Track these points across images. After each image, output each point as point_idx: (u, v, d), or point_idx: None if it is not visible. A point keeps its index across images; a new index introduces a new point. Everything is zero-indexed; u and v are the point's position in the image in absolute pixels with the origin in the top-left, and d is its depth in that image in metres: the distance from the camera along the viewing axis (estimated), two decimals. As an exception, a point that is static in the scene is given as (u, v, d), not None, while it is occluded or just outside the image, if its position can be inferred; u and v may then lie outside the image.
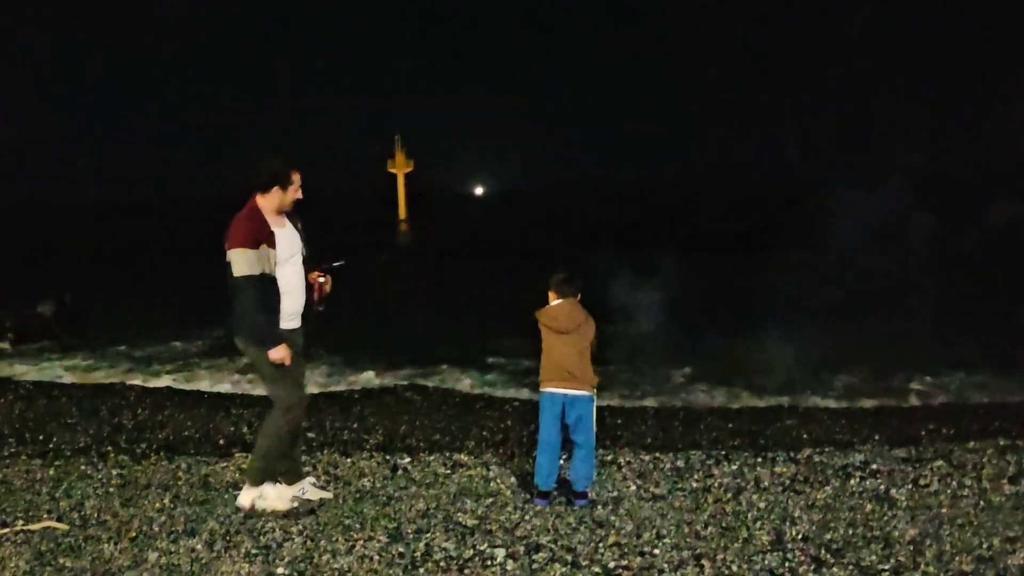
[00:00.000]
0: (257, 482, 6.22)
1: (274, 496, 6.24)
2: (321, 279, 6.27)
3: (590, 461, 6.34)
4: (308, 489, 6.44)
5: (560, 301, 6.32)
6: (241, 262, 5.83)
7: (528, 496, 6.49)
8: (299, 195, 6.12)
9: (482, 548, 5.48)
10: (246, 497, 6.22)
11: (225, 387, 14.34)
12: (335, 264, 6.41)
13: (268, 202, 6.02)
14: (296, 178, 6.07)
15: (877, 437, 8.82)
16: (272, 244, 5.94)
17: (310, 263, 6.27)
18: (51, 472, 7.34)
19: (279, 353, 5.94)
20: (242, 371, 14.90)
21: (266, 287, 5.91)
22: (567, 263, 6.57)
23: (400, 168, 78.83)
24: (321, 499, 6.42)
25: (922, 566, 5.16)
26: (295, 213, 6.20)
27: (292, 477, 6.40)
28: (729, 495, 6.51)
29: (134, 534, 5.77)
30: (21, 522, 6.07)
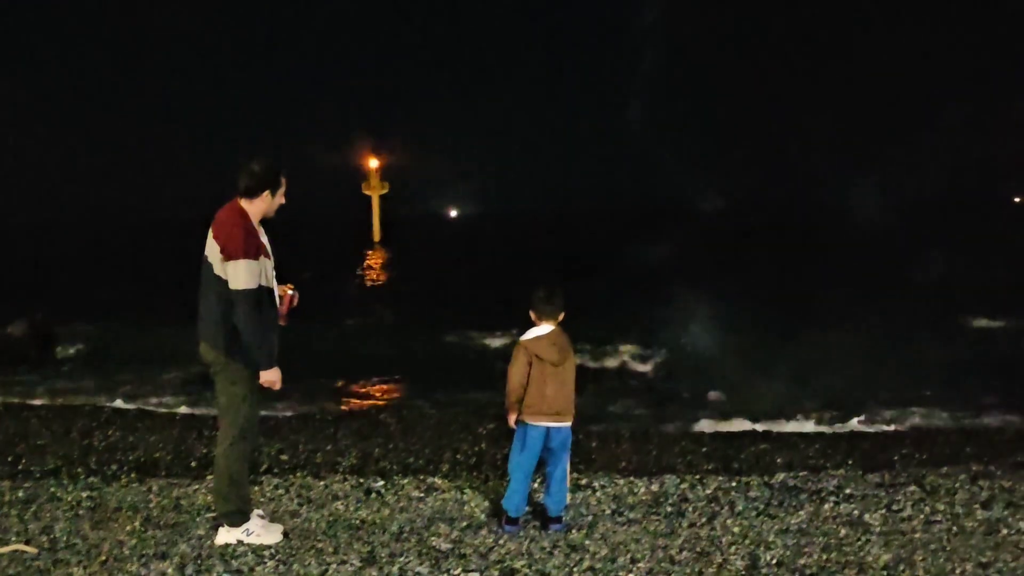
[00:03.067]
0: (238, 522, 5.91)
1: (261, 528, 5.98)
2: (291, 291, 6.00)
3: (565, 485, 6.30)
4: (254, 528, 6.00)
5: (549, 330, 6.12)
6: (244, 274, 5.52)
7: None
8: (283, 200, 5.88)
9: (456, 572, 5.46)
10: (229, 537, 5.90)
11: (198, 408, 14.23)
12: (301, 277, 6.16)
13: (255, 207, 5.73)
14: (284, 181, 5.82)
15: (851, 462, 8.85)
16: (267, 254, 5.71)
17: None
18: (20, 494, 7.25)
19: (272, 375, 5.72)
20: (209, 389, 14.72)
21: (264, 301, 5.67)
22: (545, 284, 6.38)
23: (375, 190, 78.85)
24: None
25: (896, 591, 5.19)
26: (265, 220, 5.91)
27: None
28: (704, 520, 6.51)
29: (104, 557, 5.71)
30: (-11, 545, 6.00)
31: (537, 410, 6.10)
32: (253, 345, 5.62)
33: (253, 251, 5.58)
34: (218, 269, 5.62)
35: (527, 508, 6.44)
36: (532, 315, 6.21)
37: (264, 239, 5.80)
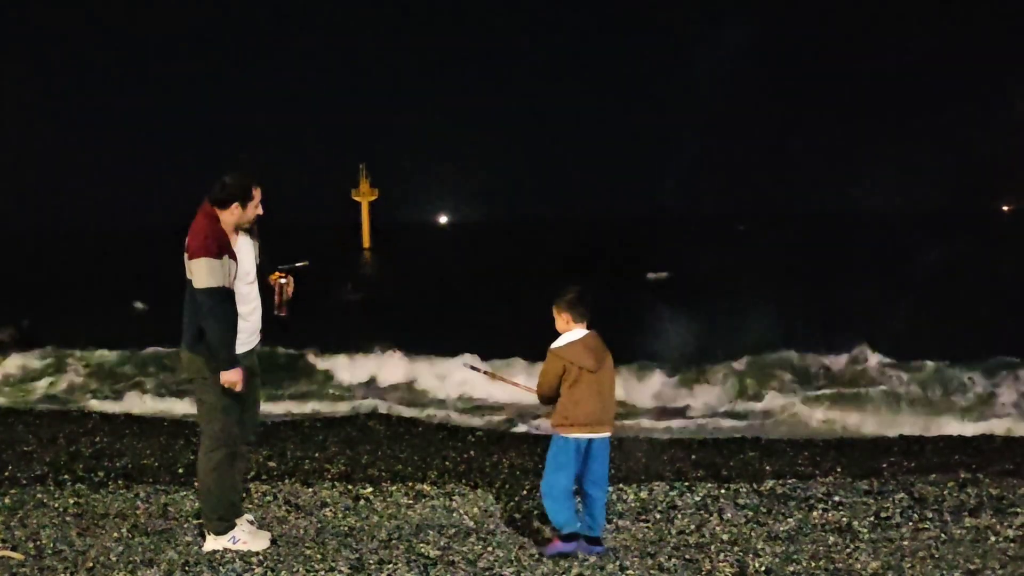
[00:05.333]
0: (223, 530, 5.87)
1: (248, 535, 5.94)
2: (282, 280, 5.92)
3: (604, 503, 5.96)
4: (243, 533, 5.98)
5: (583, 333, 5.72)
6: (205, 273, 5.52)
7: (492, 528, 6.45)
8: (260, 211, 5.82)
9: (445, 580, 5.44)
10: (216, 544, 5.87)
11: (185, 413, 14.17)
12: (297, 264, 6.06)
13: (227, 217, 5.71)
14: (257, 194, 5.76)
15: (839, 469, 8.86)
16: (233, 256, 5.66)
17: (268, 266, 5.97)
18: (7, 501, 7.23)
19: (234, 376, 5.64)
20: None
21: (227, 302, 5.63)
22: (573, 284, 5.93)
23: (365, 196, 78.92)
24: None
25: (884, 599, 5.18)
26: (254, 226, 5.89)
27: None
28: (692, 527, 6.51)
29: (91, 565, 5.69)
30: (-25, 552, 5.97)
31: (573, 420, 5.69)
32: (215, 345, 5.60)
33: (215, 250, 5.57)
34: (188, 272, 5.66)
35: (518, 516, 6.42)
36: (561, 319, 5.81)
37: (244, 244, 5.79)
